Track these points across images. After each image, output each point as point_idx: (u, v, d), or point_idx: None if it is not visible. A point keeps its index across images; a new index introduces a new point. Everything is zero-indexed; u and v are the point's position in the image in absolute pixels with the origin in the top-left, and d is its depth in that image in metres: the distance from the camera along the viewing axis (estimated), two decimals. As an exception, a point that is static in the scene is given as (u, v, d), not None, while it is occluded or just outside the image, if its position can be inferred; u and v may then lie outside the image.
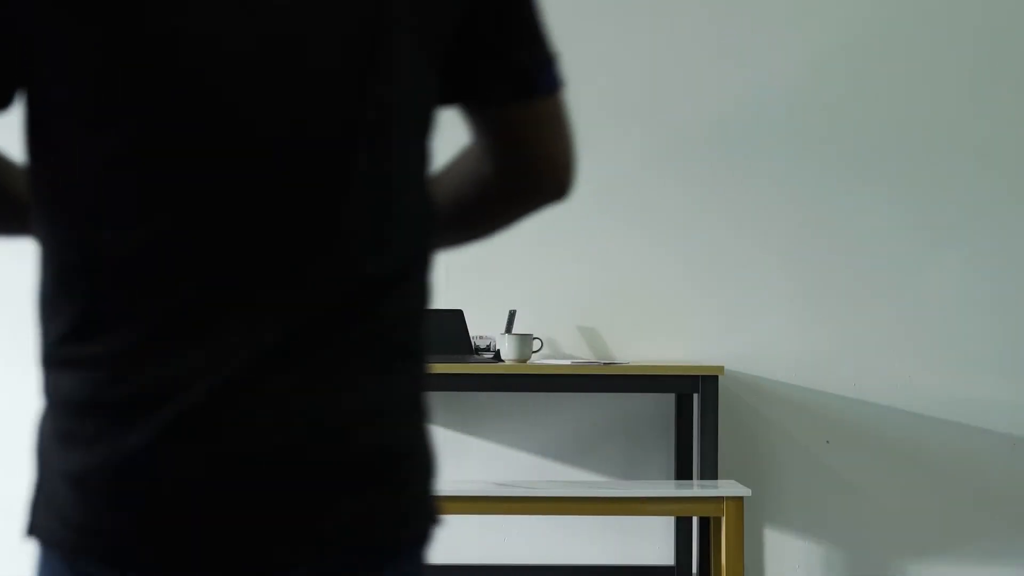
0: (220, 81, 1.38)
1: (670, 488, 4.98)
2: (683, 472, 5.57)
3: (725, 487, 4.94)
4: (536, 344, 5.49)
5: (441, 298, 5.66)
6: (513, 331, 5.49)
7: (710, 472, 5.23)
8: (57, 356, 1.43)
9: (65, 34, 1.37)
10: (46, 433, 1.44)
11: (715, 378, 5.27)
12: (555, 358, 5.62)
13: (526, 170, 1.55)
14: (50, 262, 1.43)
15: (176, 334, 1.38)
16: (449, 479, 5.66)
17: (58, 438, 1.42)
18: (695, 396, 5.57)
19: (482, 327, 5.63)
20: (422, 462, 1.47)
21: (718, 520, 5.00)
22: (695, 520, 5.56)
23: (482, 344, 5.50)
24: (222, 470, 1.37)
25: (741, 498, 4.85)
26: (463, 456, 5.69)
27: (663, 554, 5.71)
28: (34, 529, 1.44)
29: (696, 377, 5.28)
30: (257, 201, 1.39)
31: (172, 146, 1.38)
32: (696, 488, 4.97)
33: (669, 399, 5.70)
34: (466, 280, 5.68)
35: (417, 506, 1.46)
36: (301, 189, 1.40)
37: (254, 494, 1.38)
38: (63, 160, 1.40)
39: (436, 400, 5.69)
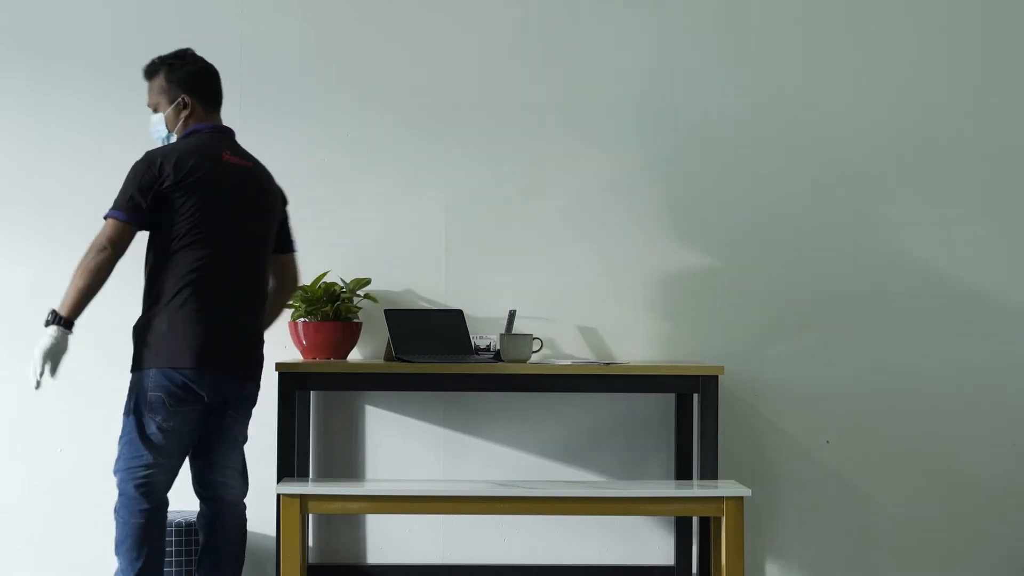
0: (230, 235, 4.62)
1: (670, 488, 4.98)
2: (683, 472, 5.57)
3: (725, 487, 4.94)
4: (536, 344, 5.49)
5: (441, 298, 5.66)
6: (513, 331, 5.49)
7: (710, 472, 5.23)
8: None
9: (181, 200, 4.56)
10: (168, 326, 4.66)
11: (715, 378, 5.27)
12: (555, 358, 5.62)
13: (287, 280, 4.93)
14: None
15: (221, 306, 4.61)
16: (449, 479, 5.66)
17: (166, 329, 4.57)
18: (695, 396, 5.57)
19: (482, 327, 5.63)
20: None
21: (718, 520, 5.00)
22: (695, 520, 5.56)
23: (482, 344, 5.50)
24: (231, 343, 4.63)
25: (741, 498, 4.85)
26: (463, 456, 5.69)
27: (663, 554, 5.72)
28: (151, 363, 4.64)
29: (696, 377, 5.28)
30: (241, 271, 4.66)
31: (214, 245, 4.58)
32: (696, 488, 4.97)
33: (669, 399, 5.70)
34: (466, 280, 5.68)
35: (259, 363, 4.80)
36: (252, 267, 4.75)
37: (238, 351, 4.65)
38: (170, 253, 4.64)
39: (436, 400, 5.69)
